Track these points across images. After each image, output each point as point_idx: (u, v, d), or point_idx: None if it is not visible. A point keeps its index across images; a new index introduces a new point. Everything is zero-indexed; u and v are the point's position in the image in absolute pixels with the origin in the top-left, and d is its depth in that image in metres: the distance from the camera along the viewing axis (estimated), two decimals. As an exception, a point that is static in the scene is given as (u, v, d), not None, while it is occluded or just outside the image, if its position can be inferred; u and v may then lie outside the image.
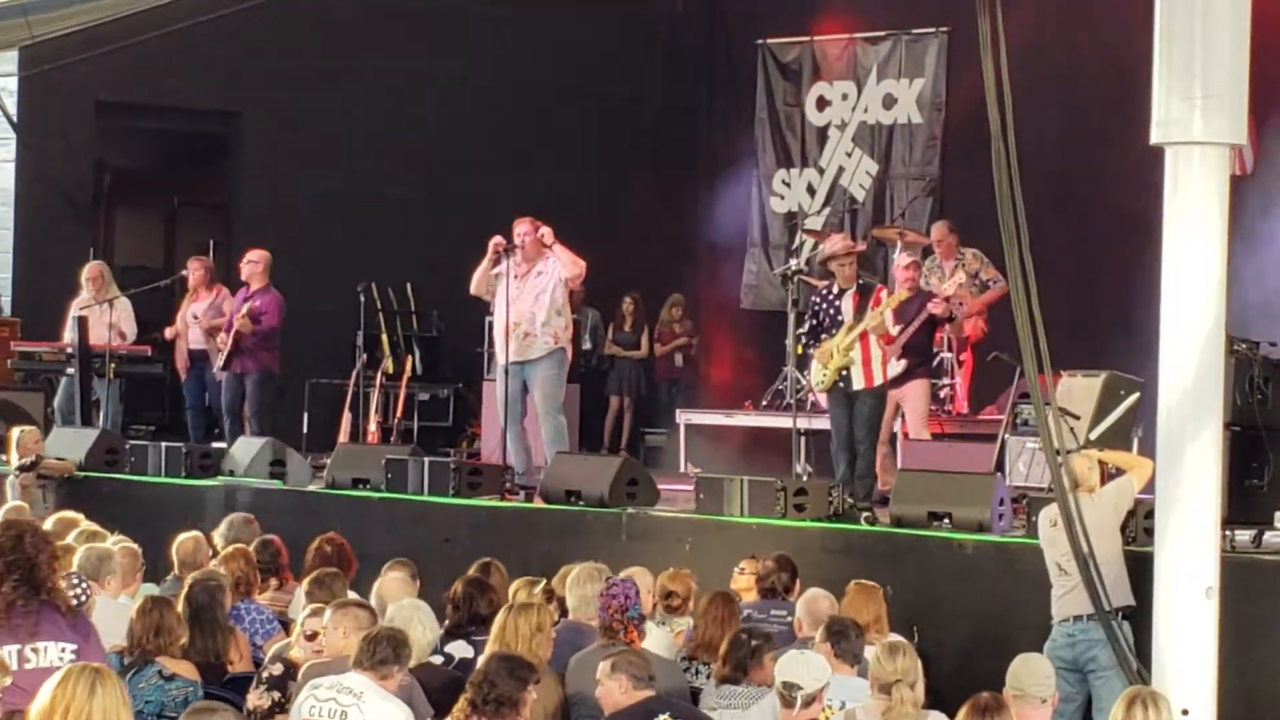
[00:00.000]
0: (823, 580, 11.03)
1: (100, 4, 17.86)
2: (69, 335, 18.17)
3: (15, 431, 15.33)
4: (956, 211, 18.04)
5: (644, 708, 8.51)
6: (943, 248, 16.85)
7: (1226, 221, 9.77)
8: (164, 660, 9.28)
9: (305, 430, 17.81)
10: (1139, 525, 10.87)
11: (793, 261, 17.69)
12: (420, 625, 9.33)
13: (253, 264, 17.53)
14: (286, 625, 10.92)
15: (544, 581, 11.07)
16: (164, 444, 16.33)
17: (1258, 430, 10.96)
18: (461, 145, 20.58)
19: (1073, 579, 10.29)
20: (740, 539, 12.53)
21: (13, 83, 19.25)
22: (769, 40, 21.47)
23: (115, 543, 11.12)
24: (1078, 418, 12.21)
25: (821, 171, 21.17)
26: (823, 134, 21.16)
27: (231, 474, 15.86)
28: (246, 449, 15.97)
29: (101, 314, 17.85)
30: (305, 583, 10.87)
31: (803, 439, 14.70)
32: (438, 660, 9.68)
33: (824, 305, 14.22)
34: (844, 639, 9.37)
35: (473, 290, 15.41)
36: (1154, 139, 9.76)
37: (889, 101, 20.61)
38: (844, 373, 13.97)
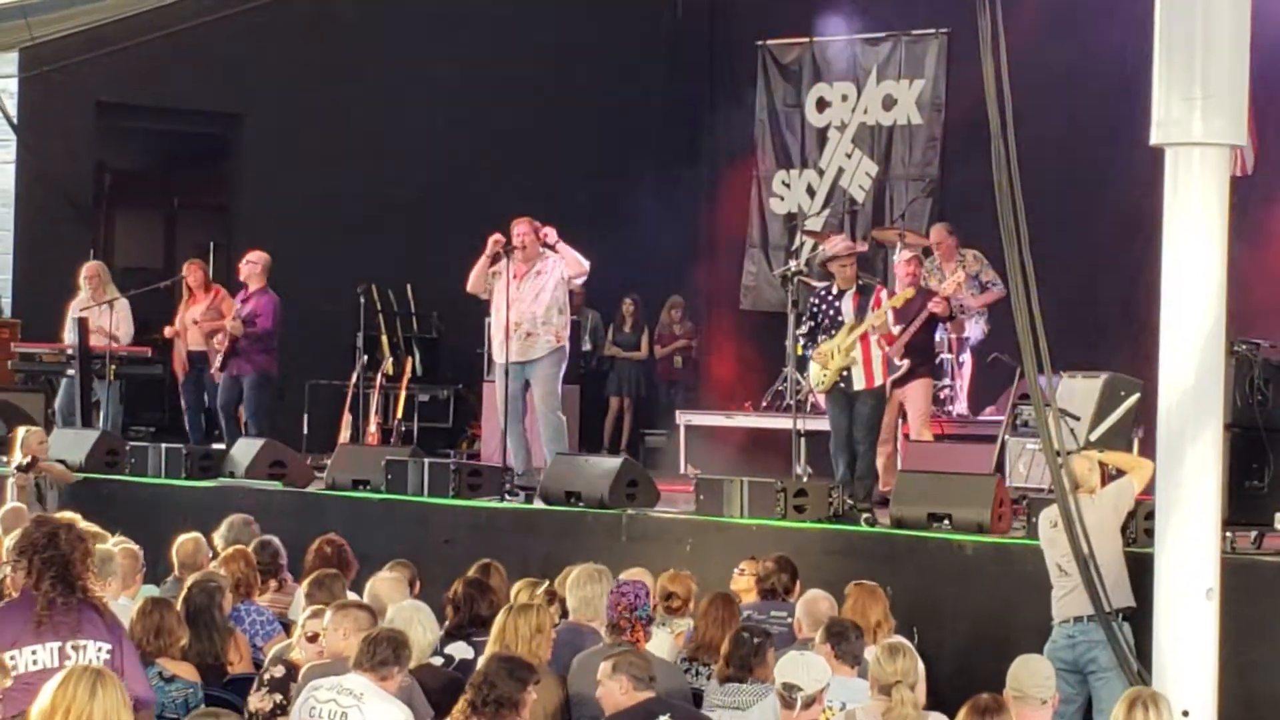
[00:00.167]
0: (823, 581, 11.02)
1: (100, 5, 17.89)
2: (69, 336, 18.17)
3: (20, 431, 15.33)
4: (956, 213, 18.04)
5: (644, 709, 8.50)
6: (942, 249, 16.84)
7: (1227, 222, 9.77)
8: (164, 662, 9.28)
9: (305, 431, 17.81)
10: (1139, 526, 10.87)
11: (792, 262, 17.68)
12: (420, 626, 9.33)
13: (251, 265, 17.54)
14: (287, 626, 10.91)
15: (546, 583, 11.07)
16: (164, 445, 16.33)
17: (1258, 431, 10.96)
18: (462, 147, 20.58)
19: (1073, 580, 10.29)
20: (740, 540, 12.53)
21: (13, 84, 19.26)
22: (769, 41, 21.47)
23: (115, 544, 11.11)
24: (1078, 419, 12.21)
25: (821, 172, 21.17)
26: (822, 135, 21.16)
27: (231, 475, 15.87)
28: (246, 450, 15.97)
29: (100, 314, 17.86)
30: (305, 584, 10.87)
31: (802, 440, 14.69)
32: (438, 662, 9.68)
33: (823, 306, 14.21)
34: (844, 640, 9.36)
35: (469, 288, 15.40)
36: (1154, 140, 9.76)
37: (889, 102, 20.61)
38: (844, 373, 13.96)
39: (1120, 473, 11.04)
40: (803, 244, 20.12)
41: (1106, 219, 17.86)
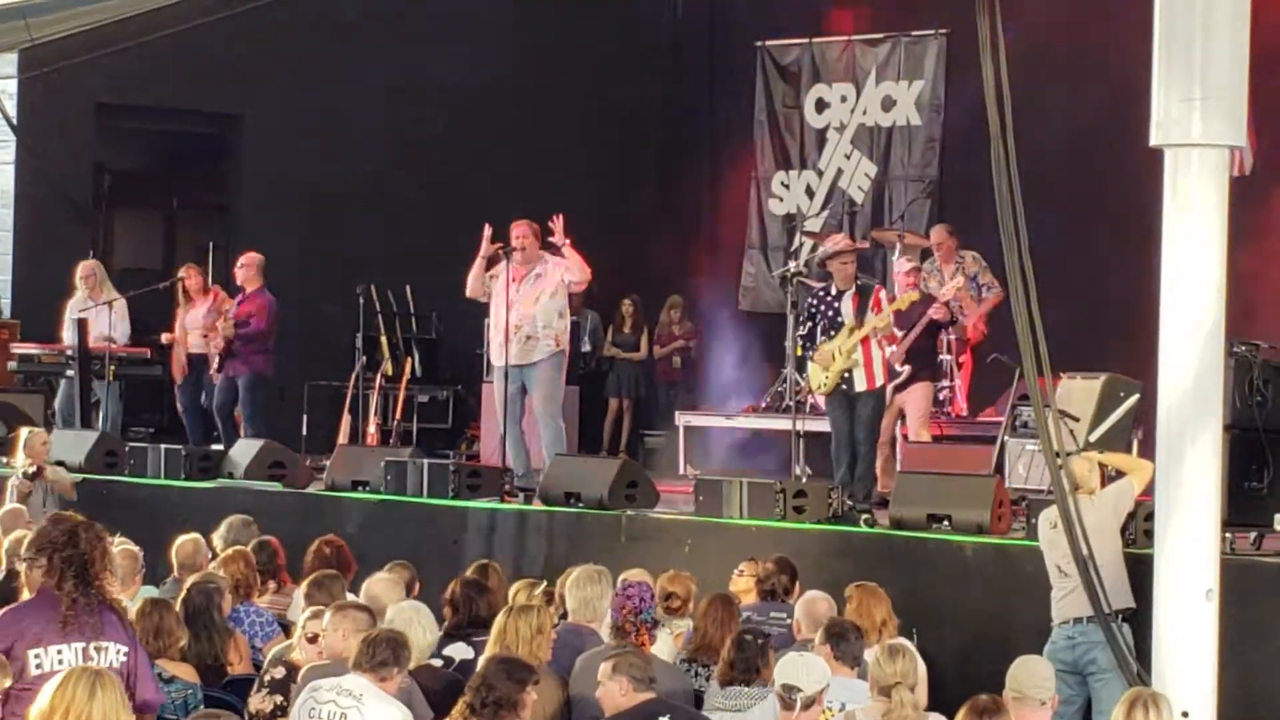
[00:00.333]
0: (822, 582, 11.03)
1: (100, 6, 17.86)
2: (67, 337, 18.17)
3: (23, 432, 15.34)
4: (955, 214, 18.04)
5: (644, 710, 8.50)
6: (942, 250, 16.83)
7: (1226, 223, 9.77)
8: (163, 663, 9.28)
9: (305, 432, 17.81)
10: (1139, 527, 10.87)
11: (791, 263, 17.68)
12: (420, 627, 9.33)
13: (245, 268, 17.57)
14: (286, 628, 10.91)
15: (544, 584, 11.08)
16: (163, 446, 16.33)
17: (1257, 432, 10.96)
18: (461, 148, 20.58)
19: (1072, 581, 10.29)
20: (739, 541, 12.53)
21: (12, 85, 19.27)
22: (768, 42, 21.46)
23: (115, 545, 11.07)
24: (1077, 420, 12.21)
25: (820, 173, 21.16)
26: (822, 136, 21.15)
27: (230, 476, 15.86)
28: (246, 451, 15.97)
29: (99, 315, 17.85)
30: (304, 585, 10.87)
31: (802, 441, 14.69)
32: (437, 663, 9.68)
33: (821, 307, 14.18)
34: (843, 641, 9.36)
35: (468, 293, 15.39)
36: (1153, 141, 9.76)
37: (888, 103, 20.61)
38: (846, 375, 13.94)
39: (1120, 474, 11.04)
40: (802, 245, 20.12)
41: (1106, 220, 17.86)
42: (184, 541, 11.91)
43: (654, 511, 13.58)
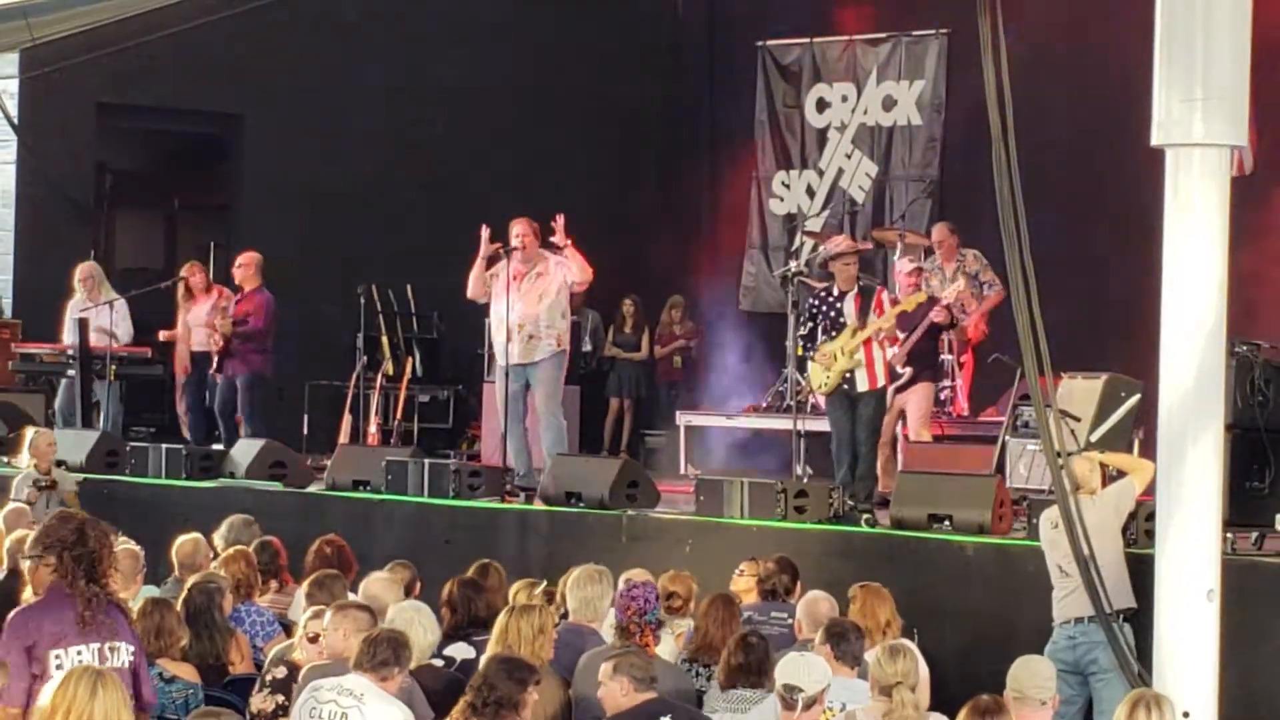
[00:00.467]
0: (823, 582, 11.02)
1: (101, 6, 17.88)
2: (67, 337, 18.17)
3: (29, 433, 15.34)
4: (956, 213, 18.03)
5: (645, 709, 8.50)
6: (943, 249, 16.83)
7: (1227, 223, 9.77)
8: (164, 662, 9.28)
9: (305, 432, 17.82)
10: (1140, 527, 10.87)
11: (792, 263, 17.67)
12: (420, 627, 9.33)
13: (243, 267, 17.58)
14: (287, 627, 10.91)
15: (544, 583, 11.07)
16: (164, 446, 16.33)
17: (1258, 432, 10.96)
18: (462, 147, 20.58)
19: (1074, 581, 10.29)
20: (740, 541, 12.53)
21: (13, 84, 19.27)
22: (769, 42, 21.46)
23: (117, 544, 11.09)
24: (1078, 419, 12.20)
25: (821, 173, 21.16)
26: (822, 136, 21.15)
27: (231, 476, 15.87)
28: (247, 451, 15.97)
29: (99, 315, 17.86)
30: (305, 585, 10.87)
31: (803, 441, 14.69)
32: (438, 663, 9.68)
33: (823, 307, 14.16)
34: (844, 641, 9.36)
35: (469, 294, 15.39)
36: (1154, 141, 9.76)
37: (889, 103, 20.61)
38: (848, 375, 13.92)
39: (1121, 474, 11.04)
40: (802, 245, 20.12)
41: (1107, 220, 17.86)
42: (184, 541, 11.91)
43: (655, 511, 13.58)
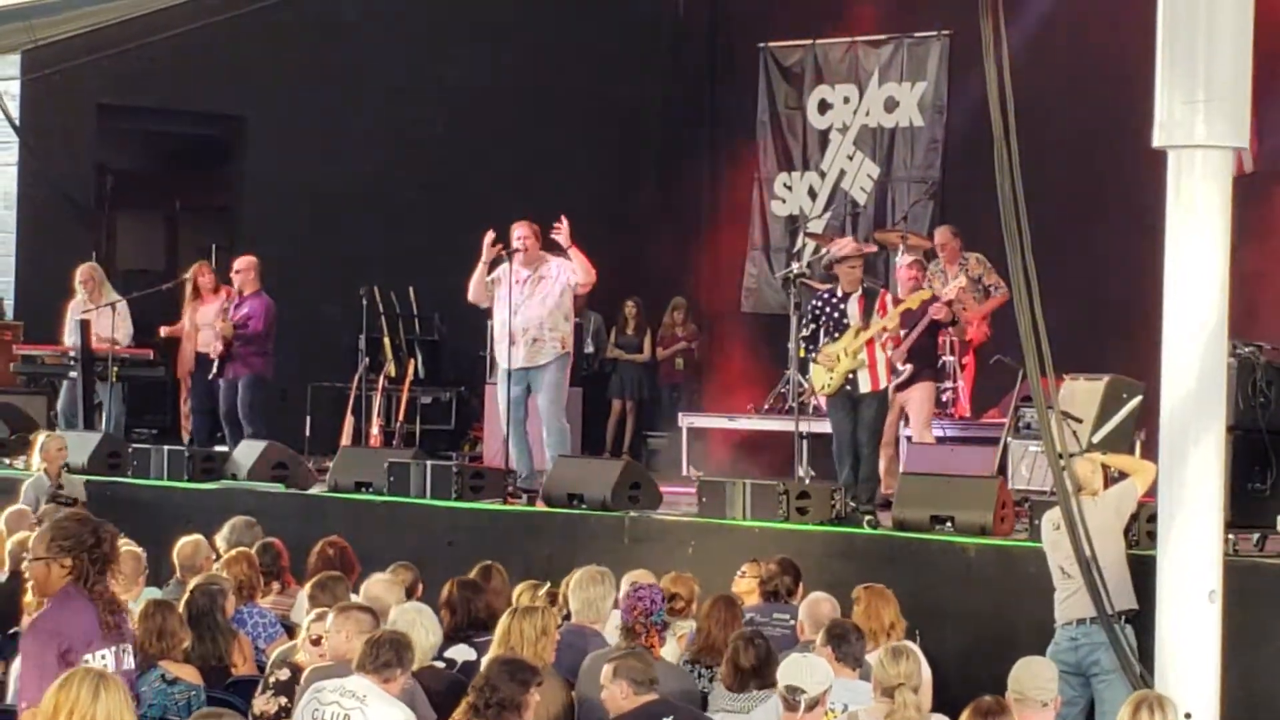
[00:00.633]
0: (825, 584, 11.02)
1: (102, 8, 17.87)
2: (68, 338, 18.17)
3: (40, 437, 15.34)
4: (958, 215, 18.03)
5: (647, 710, 8.51)
6: (946, 252, 16.81)
7: (1229, 224, 9.77)
8: (167, 664, 9.27)
9: (308, 434, 17.81)
10: (1141, 529, 10.87)
11: (794, 265, 17.68)
12: (422, 628, 9.34)
13: (241, 273, 17.56)
14: (289, 629, 10.91)
15: (547, 585, 11.08)
16: (166, 447, 16.33)
17: (1260, 434, 10.96)
18: (464, 149, 20.59)
19: (1075, 582, 10.29)
20: (742, 542, 12.53)
21: (15, 86, 19.27)
22: (771, 43, 21.47)
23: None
24: (1080, 421, 12.21)
25: (823, 175, 21.16)
26: (824, 137, 21.16)
27: (234, 477, 15.87)
28: (249, 452, 15.98)
29: (100, 316, 17.86)
30: (308, 587, 10.87)
31: (805, 442, 14.69)
32: (440, 665, 9.68)
33: (826, 309, 14.12)
34: (845, 642, 9.36)
35: (470, 298, 15.38)
36: (1156, 142, 9.76)
37: (890, 105, 20.61)
38: (851, 376, 13.90)
39: (1123, 475, 11.04)
40: (804, 246, 20.12)
41: (1108, 221, 17.86)
42: (184, 543, 11.92)
43: (657, 513, 13.58)
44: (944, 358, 16.43)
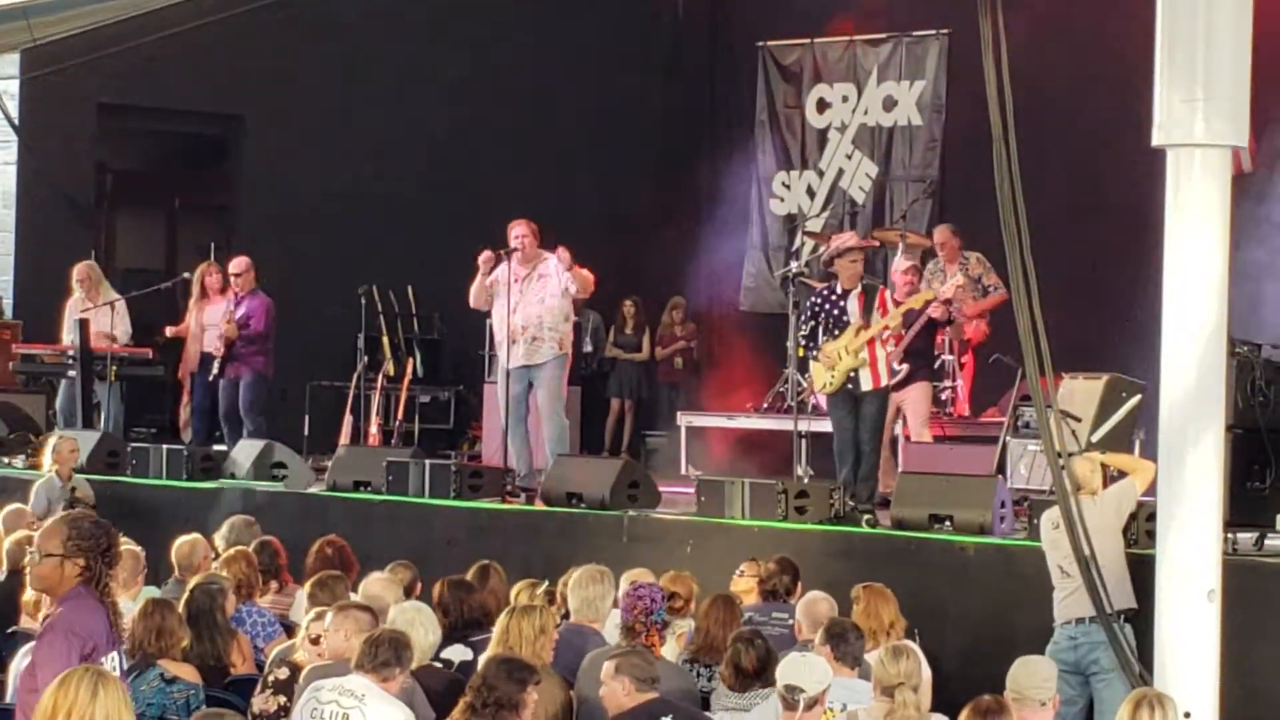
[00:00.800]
0: (824, 583, 11.02)
1: (101, 7, 17.87)
2: (66, 337, 18.16)
3: (52, 438, 15.34)
4: (957, 214, 18.03)
5: (647, 709, 8.50)
6: (946, 250, 16.81)
7: (1228, 223, 9.77)
8: (165, 663, 9.27)
9: (306, 432, 17.81)
10: (1141, 528, 10.87)
11: (793, 264, 17.68)
12: (422, 627, 9.33)
13: (241, 276, 17.54)
14: (288, 628, 10.91)
15: (545, 583, 11.08)
16: (165, 446, 16.34)
17: (1259, 432, 10.95)
18: (462, 148, 20.59)
19: (1075, 581, 10.29)
20: (741, 541, 12.53)
21: (14, 85, 19.27)
22: (769, 42, 21.46)
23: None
24: (1079, 420, 12.20)
25: (821, 174, 21.16)
26: (823, 136, 21.16)
27: (232, 476, 15.88)
28: (247, 451, 15.98)
29: (99, 315, 17.86)
30: (308, 585, 10.87)
31: (804, 441, 14.68)
32: (438, 665, 9.68)
33: (825, 306, 14.07)
34: (843, 642, 9.36)
35: (472, 304, 15.40)
36: (1155, 141, 9.76)
37: (889, 104, 20.61)
38: (852, 374, 13.87)
39: (1122, 474, 11.04)
40: (803, 245, 20.12)
41: (1108, 220, 17.85)
42: (182, 542, 11.92)
43: (656, 512, 13.58)
44: (943, 356, 16.43)
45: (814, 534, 12.52)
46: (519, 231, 15.04)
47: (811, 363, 14.08)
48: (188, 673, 9.36)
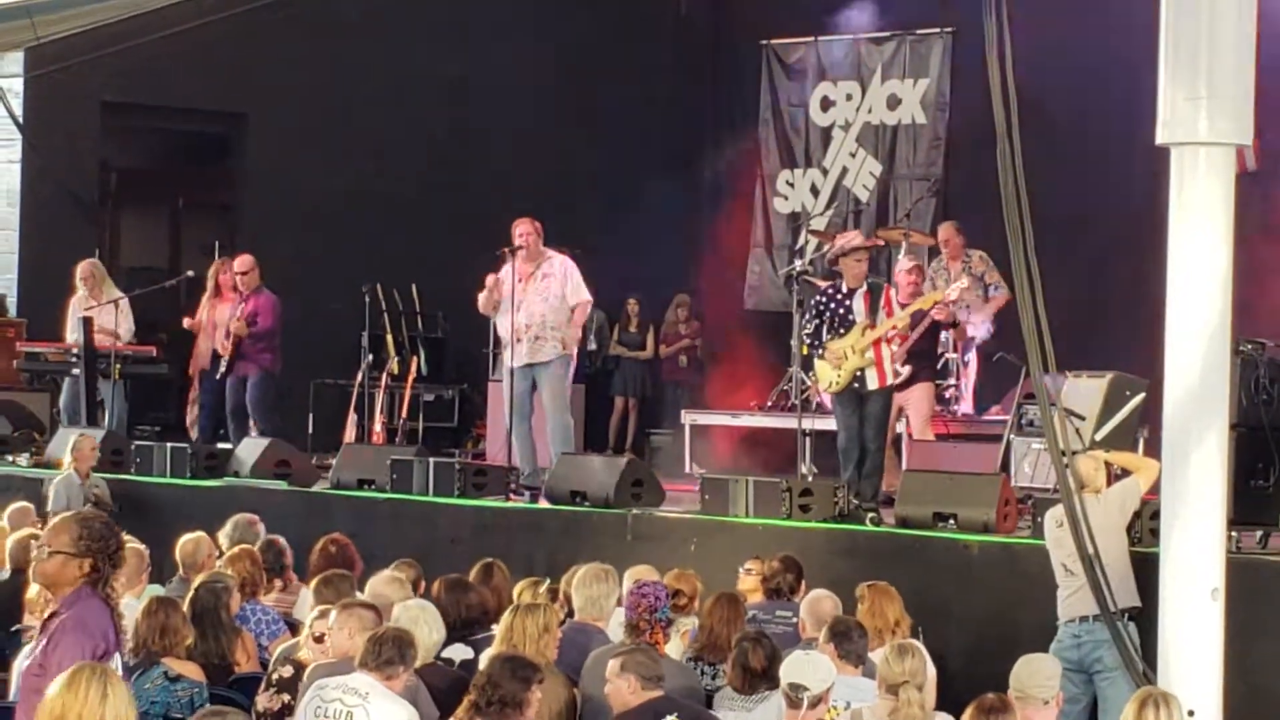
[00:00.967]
0: (828, 581, 11.02)
1: (105, 5, 17.88)
2: (70, 335, 18.17)
3: (72, 437, 15.35)
4: (960, 212, 18.03)
5: (651, 708, 8.50)
6: (950, 248, 16.80)
7: (1232, 221, 9.76)
8: (169, 661, 9.27)
9: (310, 431, 17.83)
10: (1144, 526, 10.87)
11: (797, 262, 17.68)
12: (426, 626, 9.32)
13: (248, 273, 17.54)
14: (292, 626, 10.91)
15: (547, 581, 11.07)
16: (169, 445, 16.35)
17: (1263, 431, 10.94)
18: (466, 146, 20.61)
19: (1078, 580, 10.29)
20: (745, 539, 12.53)
21: (18, 83, 19.29)
22: (773, 40, 21.47)
23: (121, 543, 11.09)
24: (1083, 418, 12.20)
25: (825, 172, 21.17)
26: (827, 134, 21.16)
27: (236, 475, 15.88)
28: (251, 449, 15.99)
29: (102, 313, 17.86)
30: (313, 584, 10.86)
31: (808, 439, 14.68)
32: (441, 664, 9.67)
33: (830, 305, 14.05)
34: (847, 640, 9.35)
35: (481, 311, 15.40)
36: (1159, 139, 9.75)
37: (893, 102, 20.61)
38: (858, 373, 13.86)
39: (1125, 472, 11.04)
40: (807, 243, 20.12)
41: (1111, 218, 17.85)
42: (185, 540, 11.92)
43: (660, 510, 13.59)
44: (946, 355, 16.42)
45: (818, 532, 12.52)
46: (523, 230, 15.05)
47: (816, 361, 14.07)
48: (192, 671, 9.36)
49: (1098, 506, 10.37)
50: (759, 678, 9.29)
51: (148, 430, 18.44)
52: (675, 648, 10.43)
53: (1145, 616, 10.25)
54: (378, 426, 17.97)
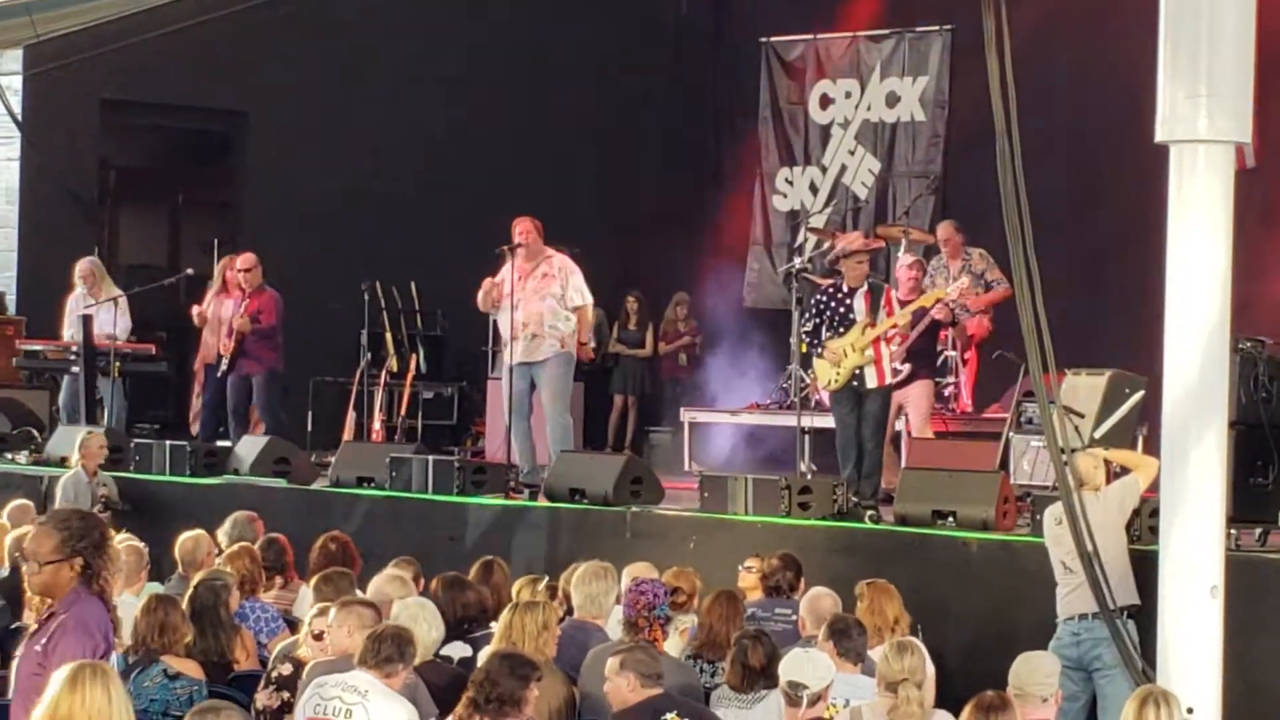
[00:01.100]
0: (827, 579, 11.02)
1: (105, 3, 17.88)
2: (68, 333, 18.17)
3: (80, 434, 15.35)
4: (960, 210, 18.03)
5: (651, 706, 8.50)
6: (949, 247, 16.80)
7: (1231, 219, 9.76)
8: (169, 659, 9.28)
9: (309, 428, 17.82)
10: (1144, 524, 10.87)
11: (796, 260, 17.67)
12: (425, 623, 9.33)
13: (250, 271, 17.51)
14: (291, 624, 10.92)
15: (546, 579, 11.08)
16: (169, 442, 16.34)
17: (1262, 429, 10.95)
18: (466, 144, 20.60)
19: (1078, 577, 10.29)
20: (744, 537, 12.53)
21: (17, 81, 19.29)
22: (772, 38, 21.46)
23: (120, 541, 11.09)
24: (1082, 416, 12.20)
25: (824, 170, 21.16)
26: (826, 132, 21.15)
27: (236, 472, 15.88)
28: (251, 447, 15.99)
29: (100, 311, 17.86)
30: (313, 581, 10.86)
31: (807, 437, 14.67)
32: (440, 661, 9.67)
33: (830, 304, 14.06)
34: (846, 638, 9.36)
35: (481, 308, 15.40)
36: (1158, 137, 9.74)
37: (892, 99, 20.61)
38: (858, 372, 13.87)
39: (1125, 470, 11.04)
40: (806, 241, 20.12)
41: (1111, 216, 17.85)
42: (185, 538, 11.92)
43: (659, 508, 13.59)
44: (945, 353, 16.42)
45: (817, 530, 12.52)
46: (522, 228, 15.05)
47: (815, 359, 14.08)
48: (191, 669, 9.36)
49: (1097, 504, 10.37)
50: (758, 675, 9.28)
51: (147, 428, 18.44)
52: (674, 645, 10.43)
53: (1144, 614, 10.24)
54: (377, 424, 17.97)
